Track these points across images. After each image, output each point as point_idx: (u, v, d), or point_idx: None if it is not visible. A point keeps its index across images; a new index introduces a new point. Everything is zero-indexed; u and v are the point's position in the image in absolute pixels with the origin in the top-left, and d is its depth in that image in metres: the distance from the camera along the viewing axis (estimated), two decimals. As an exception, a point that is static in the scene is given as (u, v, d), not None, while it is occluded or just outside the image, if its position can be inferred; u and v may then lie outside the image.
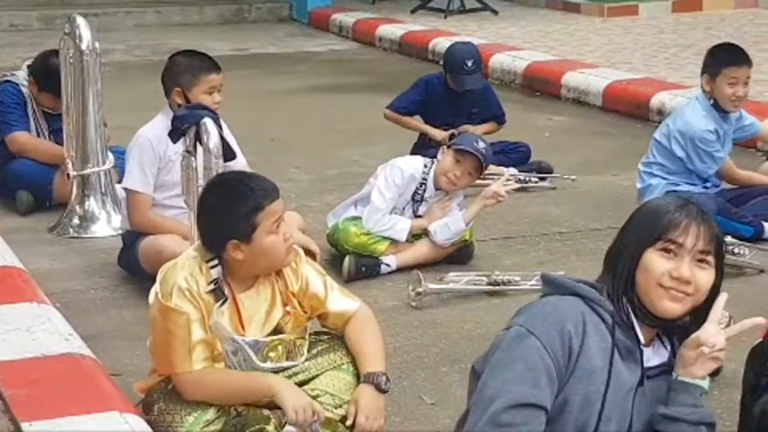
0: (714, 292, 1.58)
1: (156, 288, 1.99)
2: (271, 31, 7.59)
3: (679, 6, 7.56)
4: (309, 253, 2.50)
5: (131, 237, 2.98)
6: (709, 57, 3.43)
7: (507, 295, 2.89)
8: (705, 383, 1.58)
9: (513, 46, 6.23)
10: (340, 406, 2.01)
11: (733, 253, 3.02)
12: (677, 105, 4.46)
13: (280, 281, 2.05)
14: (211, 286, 1.97)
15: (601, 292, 1.59)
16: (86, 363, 2.14)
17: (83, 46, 3.44)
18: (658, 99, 4.90)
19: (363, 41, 7.11)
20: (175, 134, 2.66)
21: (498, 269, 2.99)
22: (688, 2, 7.58)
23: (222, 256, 1.99)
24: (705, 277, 1.57)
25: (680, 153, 3.41)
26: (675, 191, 3.24)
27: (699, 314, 1.59)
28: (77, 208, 3.51)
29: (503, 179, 3.19)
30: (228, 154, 2.58)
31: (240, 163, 2.82)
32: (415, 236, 3.16)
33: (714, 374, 1.61)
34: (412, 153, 3.83)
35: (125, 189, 3.01)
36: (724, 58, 3.36)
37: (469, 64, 3.96)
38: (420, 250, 3.13)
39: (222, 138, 2.56)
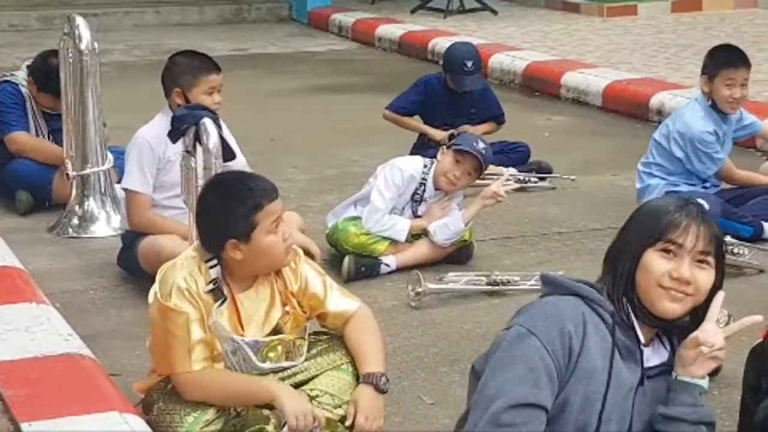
0: (714, 292, 1.58)
1: (155, 288, 1.99)
2: (270, 31, 7.59)
3: (678, 6, 7.57)
4: (308, 254, 2.50)
5: (130, 237, 2.98)
6: (708, 58, 3.43)
7: (506, 295, 2.89)
8: (704, 383, 1.58)
9: (512, 46, 6.23)
10: (340, 406, 2.01)
11: (733, 253, 3.02)
12: (677, 105, 4.46)
13: (279, 281, 2.04)
14: (210, 286, 1.97)
15: (601, 293, 1.59)
16: (86, 363, 2.14)
17: (82, 46, 3.44)
18: (657, 99, 4.90)
19: (362, 41, 7.11)
20: (174, 134, 2.66)
21: (497, 269, 2.99)
22: (688, 2, 7.58)
23: (221, 256, 1.99)
24: (705, 277, 1.57)
25: (679, 154, 3.41)
26: (674, 191, 3.24)
27: (698, 314, 1.59)
28: (76, 208, 3.51)
29: (503, 179, 3.19)
30: (227, 154, 2.58)
31: (239, 163, 2.82)
32: (414, 236, 3.16)
33: (713, 374, 1.61)
34: (412, 153, 3.83)
35: (124, 189, 3.01)
36: (722, 60, 3.37)
37: (469, 64, 3.96)
38: (419, 250, 3.13)
39: (221, 138, 2.56)
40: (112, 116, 3.94)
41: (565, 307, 1.56)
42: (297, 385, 2.03)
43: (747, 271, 3.08)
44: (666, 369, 1.60)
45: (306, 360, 2.05)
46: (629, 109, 5.02)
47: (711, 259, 1.57)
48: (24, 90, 3.73)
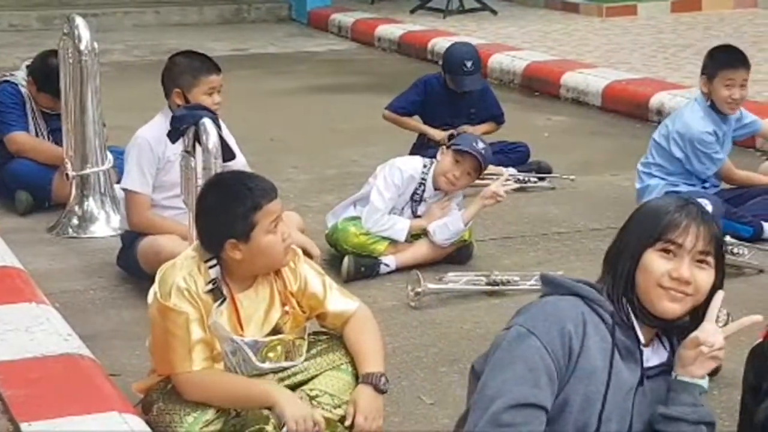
0: (714, 292, 1.58)
1: (155, 288, 1.99)
2: (270, 31, 7.59)
3: (678, 6, 7.57)
4: (308, 254, 2.50)
5: (130, 237, 2.98)
6: (708, 58, 3.44)
7: (506, 295, 2.89)
8: (704, 382, 1.58)
9: (512, 46, 6.23)
10: (339, 407, 2.00)
11: (732, 253, 3.02)
12: (676, 105, 4.46)
13: (278, 281, 2.04)
14: (210, 286, 1.97)
15: (601, 293, 1.59)
16: (85, 363, 2.14)
17: (82, 47, 3.44)
18: (657, 99, 4.91)
19: (362, 41, 7.11)
20: (174, 134, 2.66)
21: (497, 269, 2.99)
22: (687, 2, 7.58)
23: (220, 256, 1.99)
24: (705, 277, 1.57)
25: (679, 154, 3.42)
26: (674, 192, 3.25)
27: (698, 314, 1.59)
28: (76, 208, 3.51)
29: (502, 179, 3.19)
30: (227, 154, 2.58)
31: (239, 163, 2.82)
32: (414, 236, 3.16)
33: (713, 374, 1.61)
34: (411, 153, 3.83)
35: (124, 189, 3.01)
36: (721, 61, 3.37)
37: (469, 65, 3.96)
38: (419, 250, 3.13)
39: (221, 138, 2.56)
40: (111, 116, 3.94)
41: (565, 307, 1.56)
42: (296, 385, 2.03)
43: (747, 271, 3.08)
44: (666, 369, 1.60)
45: (306, 360, 2.05)
46: (629, 109, 5.02)
47: (711, 259, 1.57)
48: (24, 90, 3.72)
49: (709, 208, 2.42)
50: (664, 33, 6.77)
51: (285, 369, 2.04)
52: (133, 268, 2.94)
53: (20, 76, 3.76)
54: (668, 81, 5.26)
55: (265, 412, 1.95)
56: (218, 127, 2.61)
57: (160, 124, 2.95)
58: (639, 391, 1.58)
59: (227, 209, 1.98)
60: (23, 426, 1.84)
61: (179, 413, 1.95)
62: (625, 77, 5.33)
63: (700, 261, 1.57)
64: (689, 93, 4.52)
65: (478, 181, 3.29)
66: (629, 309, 1.58)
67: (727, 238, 3.02)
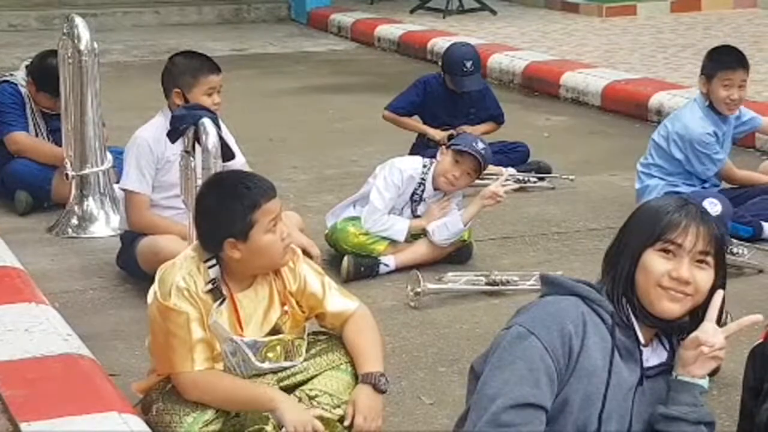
0: (714, 292, 1.58)
1: (154, 288, 1.99)
2: (269, 31, 7.58)
3: (677, 6, 7.57)
4: (307, 254, 2.50)
5: (129, 237, 2.98)
6: (707, 59, 3.44)
7: (506, 295, 2.89)
8: (704, 382, 1.58)
9: (512, 46, 6.23)
10: (339, 407, 2.00)
11: (732, 253, 3.02)
12: (676, 105, 4.46)
13: (278, 281, 2.04)
14: (209, 286, 1.97)
15: (601, 293, 1.59)
16: (85, 363, 2.14)
17: (81, 47, 3.44)
18: (656, 99, 4.91)
19: (362, 41, 7.11)
20: (173, 134, 2.65)
21: (496, 269, 2.99)
22: (687, 2, 7.58)
23: (220, 256, 1.99)
24: (704, 277, 1.57)
25: (679, 155, 3.42)
26: (674, 192, 3.25)
27: (698, 314, 1.59)
28: (76, 208, 3.51)
29: (502, 179, 3.19)
30: (227, 154, 2.58)
31: (239, 163, 2.82)
32: (413, 236, 3.16)
33: (713, 374, 1.61)
34: (411, 153, 3.83)
35: (123, 189, 3.01)
36: (720, 61, 3.38)
37: (468, 65, 3.96)
38: (419, 250, 3.13)
39: (221, 138, 2.56)
40: (111, 116, 3.94)
41: (565, 307, 1.56)
42: (296, 385, 2.03)
43: (746, 271, 3.08)
44: (665, 369, 1.60)
45: (305, 360, 2.05)
46: (628, 109, 5.02)
47: (710, 260, 1.57)
48: (23, 90, 3.72)
49: (718, 207, 2.42)
50: (664, 33, 6.77)
51: (284, 369, 2.04)
52: (133, 268, 2.94)
53: (20, 76, 3.75)
54: (668, 81, 5.26)
55: (265, 412, 1.95)
56: (218, 127, 2.61)
57: (159, 124, 2.95)
58: (638, 391, 1.58)
59: (226, 208, 1.98)
60: (23, 426, 1.84)
61: (179, 413, 1.95)
62: (625, 77, 5.33)
63: (700, 261, 1.57)
64: (689, 93, 4.52)
65: (477, 181, 3.29)
66: (629, 309, 1.58)
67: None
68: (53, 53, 3.61)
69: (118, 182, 3.25)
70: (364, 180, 3.27)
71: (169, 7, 7.95)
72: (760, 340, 1.74)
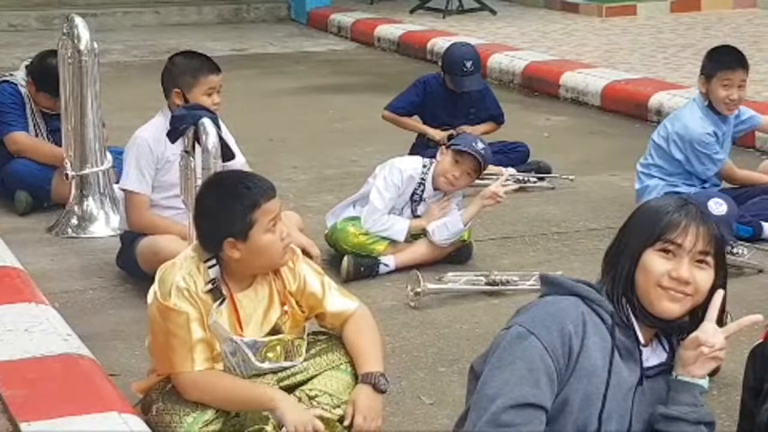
0: (714, 292, 1.58)
1: (154, 288, 1.99)
2: (269, 31, 7.58)
3: (677, 6, 7.57)
4: (307, 254, 2.50)
5: (129, 237, 2.98)
6: (707, 59, 3.44)
7: (505, 295, 2.89)
8: (704, 382, 1.58)
9: (511, 46, 6.23)
10: (339, 406, 2.00)
11: (732, 253, 3.02)
12: (676, 105, 4.46)
13: (277, 281, 2.04)
14: (209, 286, 1.97)
15: (601, 292, 1.59)
16: (84, 363, 2.14)
17: (81, 47, 3.44)
18: (656, 99, 4.91)
19: (362, 41, 7.11)
20: (173, 134, 2.65)
21: (496, 269, 2.99)
22: (687, 2, 7.58)
23: (219, 256, 1.99)
24: (704, 277, 1.57)
25: (679, 156, 3.42)
26: (674, 192, 3.25)
27: (698, 314, 1.59)
28: (76, 208, 3.51)
29: (502, 179, 3.20)
30: (226, 154, 2.58)
31: (239, 163, 2.82)
32: (413, 236, 3.16)
33: (713, 374, 1.61)
34: (411, 153, 3.83)
35: (123, 189, 3.01)
36: (720, 61, 3.38)
37: (468, 65, 3.96)
38: (418, 250, 3.13)
39: (220, 138, 2.56)
40: (110, 116, 3.94)
41: (565, 307, 1.56)
42: (296, 385, 2.03)
43: (746, 270, 3.08)
44: (665, 369, 1.60)
45: (305, 360, 2.05)
46: (628, 109, 5.02)
47: (710, 260, 1.57)
48: (23, 90, 3.72)
49: (724, 207, 2.42)
50: (664, 33, 6.77)
51: (284, 369, 2.04)
52: (133, 268, 2.94)
53: (20, 76, 3.75)
54: (667, 81, 5.26)
55: (265, 412, 1.95)
56: (218, 127, 2.61)
57: (159, 124, 2.95)
58: (638, 391, 1.58)
59: (226, 208, 1.98)
60: (23, 426, 1.84)
61: (179, 413, 1.95)
62: (625, 77, 5.33)
63: (700, 261, 1.57)
64: (688, 93, 4.52)
65: (477, 181, 3.29)
66: (629, 309, 1.58)
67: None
68: (53, 53, 3.61)
69: (117, 182, 3.25)
70: (364, 180, 3.27)
71: (169, 7, 7.95)
72: (760, 340, 1.75)
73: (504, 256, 3.24)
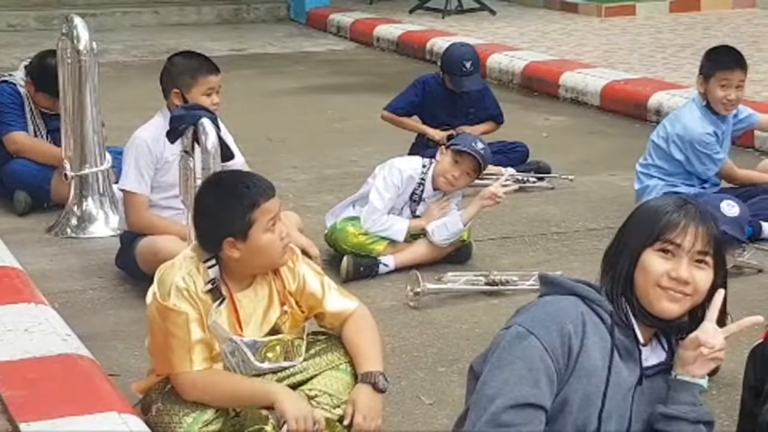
0: (713, 292, 1.58)
1: (153, 288, 1.99)
2: (269, 31, 7.58)
3: (676, 6, 7.57)
4: (307, 254, 2.50)
5: (129, 237, 2.98)
6: (705, 59, 3.45)
7: (505, 295, 2.89)
8: (704, 382, 1.58)
9: (511, 46, 6.23)
10: (339, 406, 2.00)
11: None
12: (675, 105, 4.46)
13: (277, 281, 2.04)
14: (209, 286, 1.97)
15: (600, 292, 1.59)
16: (84, 363, 2.13)
17: (81, 47, 3.44)
18: (655, 99, 4.91)
19: (361, 41, 7.11)
20: (172, 135, 2.65)
21: (496, 269, 2.99)
22: (686, 2, 7.59)
23: (219, 256, 1.99)
24: (703, 277, 1.57)
25: (679, 156, 3.42)
26: (673, 192, 3.25)
27: (697, 314, 1.59)
28: (75, 208, 3.51)
29: (502, 180, 3.20)
30: (226, 154, 2.57)
31: (238, 163, 2.81)
32: (413, 236, 3.16)
33: (712, 373, 1.61)
34: (411, 153, 3.83)
35: (122, 190, 3.01)
36: (718, 61, 3.38)
37: (468, 65, 3.96)
38: (418, 250, 3.13)
39: (220, 138, 2.56)
40: (110, 116, 3.94)
41: (564, 307, 1.56)
42: (295, 386, 2.03)
43: (746, 270, 3.08)
44: (664, 368, 1.60)
45: (305, 360, 2.05)
46: (627, 108, 5.02)
47: (709, 259, 1.57)
48: (22, 90, 3.72)
49: (736, 209, 2.41)
50: (663, 33, 6.77)
51: (284, 369, 2.04)
52: (132, 268, 2.94)
53: (19, 77, 3.75)
54: (667, 81, 5.26)
55: (264, 412, 1.95)
56: (217, 127, 2.61)
57: (158, 124, 2.95)
58: (638, 391, 1.58)
59: (225, 207, 1.98)
60: (22, 426, 1.84)
61: (178, 413, 1.95)
62: (624, 77, 5.33)
63: (699, 261, 1.57)
64: (688, 93, 4.52)
65: (477, 181, 3.29)
66: (628, 309, 1.58)
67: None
68: (52, 53, 3.61)
69: (117, 182, 3.25)
70: (363, 180, 3.27)
71: (168, 7, 7.95)
72: (760, 340, 1.75)
73: (503, 256, 3.24)
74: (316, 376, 2.03)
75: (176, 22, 7.84)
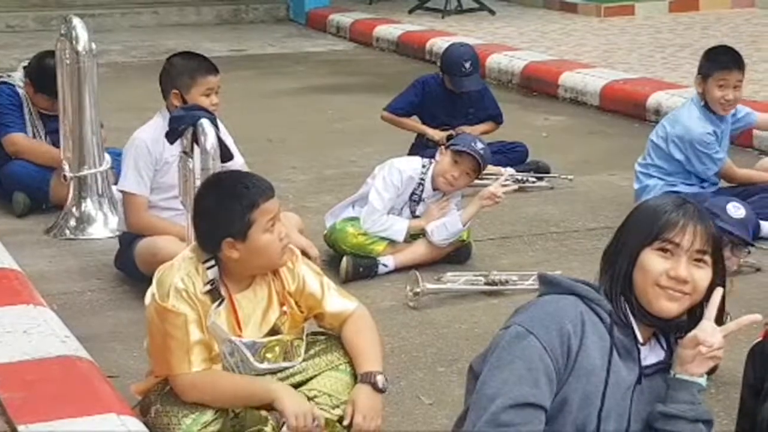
0: (712, 291, 1.58)
1: (152, 289, 1.99)
2: (268, 32, 7.58)
3: (675, 6, 7.57)
4: (306, 255, 2.50)
5: (128, 238, 2.98)
6: (703, 59, 3.45)
7: (504, 295, 2.89)
8: (703, 380, 1.58)
9: (510, 46, 6.23)
10: (338, 407, 2.00)
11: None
12: (674, 105, 4.46)
13: (276, 281, 2.04)
14: (208, 287, 1.97)
15: (599, 292, 1.59)
16: (83, 365, 2.13)
17: (79, 47, 3.44)
18: (654, 99, 4.91)
19: (360, 41, 7.11)
20: (172, 135, 2.65)
21: (495, 269, 2.99)
22: (685, 2, 7.59)
23: (218, 257, 1.99)
24: (702, 276, 1.57)
25: (679, 156, 3.43)
26: (673, 192, 3.25)
27: (696, 313, 1.59)
28: (74, 209, 3.51)
29: (501, 180, 3.20)
30: (225, 154, 2.57)
31: (238, 164, 2.81)
32: (412, 236, 3.16)
33: (711, 372, 1.61)
34: (410, 153, 3.83)
35: (121, 191, 3.01)
36: (716, 61, 3.39)
37: (467, 65, 3.96)
38: (417, 251, 3.13)
39: (219, 139, 2.56)
40: (109, 117, 3.94)
41: (563, 307, 1.56)
42: (295, 386, 2.02)
43: (744, 269, 3.08)
44: (663, 367, 1.60)
45: (304, 360, 2.05)
46: (626, 108, 5.02)
47: (708, 258, 1.57)
48: (21, 91, 3.72)
49: (742, 211, 2.41)
50: (662, 33, 6.77)
51: (283, 370, 2.03)
52: (131, 269, 2.94)
53: (17, 78, 3.75)
54: (666, 81, 5.26)
55: (264, 413, 1.95)
56: (216, 128, 2.61)
57: (157, 125, 2.95)
58: (637, 390, 1.58)
59: (224, 208, 1.97)
60: (21, 428, 1.84)
61: (177, 415, 1.95)
62: (623, 77, 5.33)
63: (698, 260, 1.57)
64: (686, 93, 4.52)
65: (476, 182, 3.29)
66: (627, 308, 1.58)
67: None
68: (51, 54, 3.60)
69: (116, 183, 3.25)
70: (363, 180, 3.27)
71: (167, 8, 7.94)
72: (760, 339, 1.74)
73: (503, 256, 3.24)
74: (315, 376, 2.03)
75: (175, 22, 7.84)
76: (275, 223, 1.99)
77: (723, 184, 3.54)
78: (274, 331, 2.03)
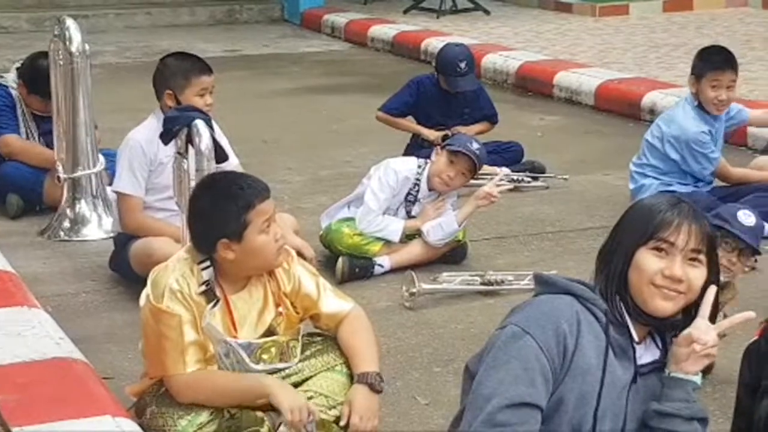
0: (706, 289, 1.59)
1: (147, 290, 1.98)
2: (263, 32, 7.57)
3: (670, 5, 7.59)
4: (302, 256, 2.49)
5: (122, 239, 2.97)
6: (697, 59, 3.46)
7: (500, 295, 2.89)
8: (698, 378, 1.58)
9: (505, 46, 6.24)
10: (334, 407, 2.00)
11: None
12: (668, 104, 4.47)
13: (272, 282, 2.04)
14: (203, 288, 1.96)
15: (594, 291, 1.59)
16: (77, 367, 2.13)
17: (73, 48, 3.43)
18: (649, 98, 4.92)
19: (355, 42, 7.11)
20: (166, 136, 2.64)
21: (491, 269, 2.99)
22: (679, 1, 7.61)
23: (213, 257, 1.98)
24: (697, 275, 1.57)
25: (675, 156, 3.43)
26: (668, 191, 3.25)
27: (691, 312, 1.59)
28: (68, 211, 3.50)
29: (496, 179, 3.20)
30: (220, 155, 2.57)
31: (232, 165, 2.81)
32: (408, 237, 3.16)
33: (706, 371, 1.61)
34: (405, 154, 3.83)
35: (116, 192, 3.00)
36: (709, 62, 3.40)
37: (462, 65, 3.96)
38: (413, 251, 3.12)
39: (214, 140, 2.55)
40: (103, 118, 3.92)
41: (559, 306, 1.56)
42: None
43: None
44: (658, 366, 1.60)
45: (300, 361, 2.05)
46: (621, 108, 5.03)
47: (703, 257, 1.58)
48: (14, 92, 3.71)
49: (752, 219, 2.42)
50: (656, 32, 6.79)
51: (279, 371, 2.03)
52: (126, 270, 2.93)
53: (10, 79, 3.74)
54: (660, 80, 5.27)
55: (259, 414, 1.95)
56: (211, 128, 2.60)
57: (151, 126, 2.94)
58: (632, 389, 1.58)
59: (220, 209, 1.97)
60: (15, 430, 1.83)
61: (173, 416, 1.94)
62: (618, 76, 5.34)
63: (692, 259, 1.57)
64: (681, 92, 4.53)
65: (472, 182, 3.29)
66: (622, 307, 1.58)
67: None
68: (44, 55, 3.59)
69: (110, 185, 3.24)
70: (358, 181, 3.26)
71: (161, 9, 7.93)
72: (756, 337, 1.75)
73: (498, 256, 3.24)
74: (311, 377, 2.03)
75: (169, 23, 7.82)
76: (271, 223, 1.99)
77: (717, 183, 3.55)
78: (269, 332, 2.02)
